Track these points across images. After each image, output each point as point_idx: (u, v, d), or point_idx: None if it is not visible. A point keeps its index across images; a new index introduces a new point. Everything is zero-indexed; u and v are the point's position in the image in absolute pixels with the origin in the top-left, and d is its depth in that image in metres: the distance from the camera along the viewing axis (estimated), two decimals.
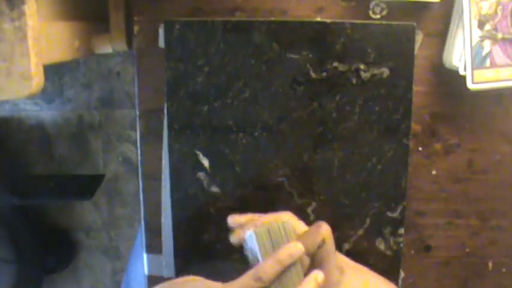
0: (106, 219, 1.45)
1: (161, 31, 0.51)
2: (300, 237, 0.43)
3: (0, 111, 1.40)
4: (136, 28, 0.52)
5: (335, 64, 0.50)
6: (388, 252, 0.53)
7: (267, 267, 0.39)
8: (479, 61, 0.48)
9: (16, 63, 0.46)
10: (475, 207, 0.56)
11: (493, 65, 0.48)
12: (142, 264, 0.57)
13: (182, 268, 0.54)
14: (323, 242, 0.43)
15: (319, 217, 0.51)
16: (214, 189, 0.52)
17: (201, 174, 0.52)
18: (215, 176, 0.51)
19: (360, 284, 0.46)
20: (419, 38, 0.52)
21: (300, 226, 0.46)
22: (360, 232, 0.52)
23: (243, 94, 0.50)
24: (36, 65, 0.47)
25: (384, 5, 0.52)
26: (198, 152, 0.51)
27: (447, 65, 0.52)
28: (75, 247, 1.47)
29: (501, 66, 0.48)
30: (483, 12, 0.48)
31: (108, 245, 1.47)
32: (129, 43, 0.73)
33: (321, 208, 0.51)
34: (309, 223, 0.52)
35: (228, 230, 0.47)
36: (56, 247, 1.42)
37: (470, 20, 0.48)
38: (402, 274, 0.55)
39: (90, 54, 0.71)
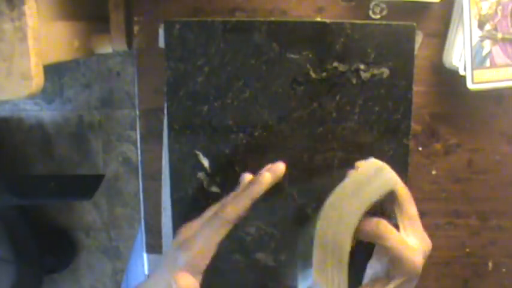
0: (106, 219, 1.45)
1: (161, 31, 0.51)
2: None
3: (0, 111, 1.40)
4: (136, 28, 0.52)
5: (335, 64, 0.50)
6: None
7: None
8: (479, 61, 0.48)
9: (16, 63, 0.46)
10: (475, 207, 0.56)
11: (493, 65, 0.48)
12: (142, 264, 0.57)
13: None
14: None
15: None
16: (214, 189, 0.52)
17: (201, 174, 0.52)
18: (215, 176, 0.51)
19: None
20: (419, 38, 0.52)
21: None
22: None
23: (243, 94, 0.50)
24: (36, 65, 0.47)
25: (383, 5, 0.52)
26: (198, 152, 0.51)
27: (447, 65, 0.52)
28: (75, 247, 1.47)
29: (501, 66, 0.48)
30: (483, 12, 0.48)
31: (108, 245, 1.47)
32: (129, 43, 0.73)
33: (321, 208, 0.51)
34: (308, 223, 0.52)
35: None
36: (56, 247, 1.42)
37: (470, 20, 0.48)
38: None
39: (90, 54, 0.71)
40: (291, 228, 0.52)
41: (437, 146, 0.55)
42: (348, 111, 0.50)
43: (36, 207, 1.44)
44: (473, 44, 0.48)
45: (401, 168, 0.51)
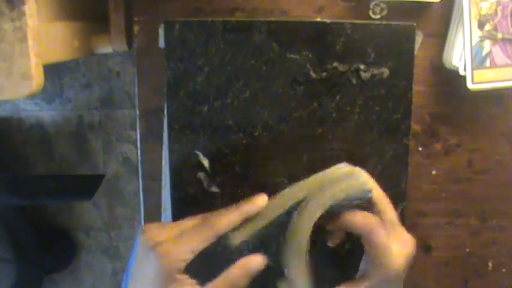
0: (106, 219, 1.45)
1: (161, 31, 0.51)
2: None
3: (0, 111, 1.40)
4: (136, 28, 0.52)
5: (335, 64, 0.50)
6: None
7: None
8: (479, 61, 0.48)
9: (16, 63, 0.46)
10: (475, 207, 0.56)
11: (493, 65, 0.48)
12: None
13: None
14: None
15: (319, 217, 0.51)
16: (214, 189, 0.52)
17: (201, 174, 0.52)
18: (215, 176, 0.51)
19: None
20: (419, 38, 0.52)
21: None
22: None
23: (243, 94, 0.50)
24: (36, 65, 0.47)
25: (383, 5, 0.52)
26: (198, 152, 0.51)
27: (447, 65, 0.52)
28: (75, 247, 1.47)
29: (501, 66, 0.48)
30: (483, 12, 0.48)
31: (108, 245, 1.47)
32: (129, 43, 0.73)
33: None
34: None
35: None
36: (56, 247, 1.42)
37: (470, 20, 0.48)
38: None
39: (90, 54, 0.71)
40: None
41: (437, 146, 0.55)
42: (348, 111, 0.50)
43: (36, 207, 1.44)
44: (473, 44, 0.48)
45: (401, 168, 0.51)
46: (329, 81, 0.50)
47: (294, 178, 0.51)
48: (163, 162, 0.54)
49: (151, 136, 0.54)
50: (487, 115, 0.54)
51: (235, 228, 0.44)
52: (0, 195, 1.19)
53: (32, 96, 0.48)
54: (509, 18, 0.48)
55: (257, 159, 0.51)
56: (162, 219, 0.55)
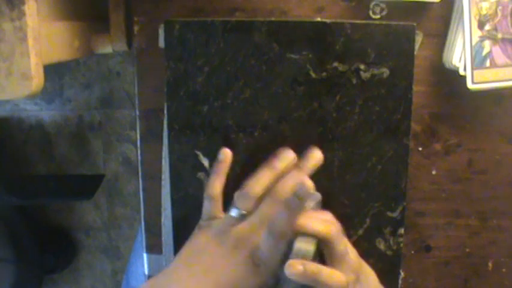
0: (106, 219, 1.45)
1: (161, 31, 0.51)
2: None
3: (0, 111, 1.40)
4: (136, 28, 0.52)
5: (335, 64, 0.50)
6: (388, 252, 0.53)
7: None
8: (479, 61, 0.48)
9: (16, 63, 0.46)
10: (475, 207, 0.56)
11: (493, 65, 0.48)
12: (142, 264, 0.57)
13: None
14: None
15: None
16: None
17: (201, 174, 0.52)
18: None
19: None
20: (419, 38, 0.52)
21: None
22: (360, 232, 0.52)
23: (243, 94, 0.50)
24: (36, 65, 0.47)
25: (383, 5, 0.52)
26: (198, 152, 0.51)
27: (447, 65, 0.52)
28: (75, 247, 1.47)
29: (501, 66, 0.48)
30: (483, 12, 0.48)
31: (108, 245, 1.47)
32: (129, 43, 0.73)
33: (321, 208, 0.51)
34: None
35: None
36: (56, 247, 1.42)
37: (470, 20, 0.48)
38: (402, 274, 0.55)
39: (90, 54, 0.71)
40: None
41: (437, 146, 0.55)
42: (348, 111, 0.50)
43: (36, 207, 1.44)
44: (473, 44, 0.48)
45: (401, 168, 0.51)
46: (329, 81, 0.50)
47: None
48: (163, 162, 0.54)
49: (151, 136, 0.54)
50: (487, 115, 0.54)
51: None
52: (0, 195, 1.19)
53: (32, 96, 0.48)
54: (509, 18, 0.48)
55: (257, 159, 0.51)
56: (162, 219, 0.55)
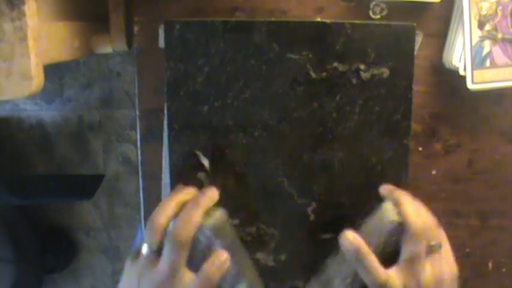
0: (106, 219, 1.45)
1: (161, 31, 0.51)
2: None
3: (0, 111, 1.40)
4: (136, 28, 0.53)
5: (335, 64, 0.50)
6: None
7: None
8: (479, 61, 0.48)
9: (16, 63, 0.46)
10: (475, 207, 0.56)
11: (493, 65, 0.48)
12: None
13: None
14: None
15: (319, 217, 0.51)
16: None
17: (201, 174, 0.52)
18: (215, 176, 0.51)
19: None
20: (419, 38, 0.52)
21: None
22: None
23: (243, 94, 0.50)
24: (36, 65, 0.47)
25: (383, 5, 0.52)
26: (198, 152, 0.51)
27: (447, 65, 0.52)
28: (75, 247, 1.47)
29: (501, 66, 0.48)
30: (483, 12, 0.48)
31: (108, 245, 1.47)
32: (129, 43, 0.73)
33: (321, 208, 0.51)
34: (309, 223, 0.52)
35: None
36: (56, 247, 1.42)
37: (470, 20, 0.48)
38: None
39: (90, 54, 0.71)
40: (291, 228, 0.52)
41: (437, 146, 0.55)
42: (348, 111, 0.50)
43: (36, 207, 1.44)
44: (473, 44, 0.48)
45: (401, 168, 0.51)
46: (329, 81, 0.50)
47: (294, 178, 0.51)
48: (163, 162, 0.54)
49: (151, 136, 0.54)
50: (487, 115, 0.54)
51: None
52: (0, 195, 1.19)
53: (32, 96, 0.48)
54: (509, 18, 0.48)
55: (257, 159, 0.51)
56: None
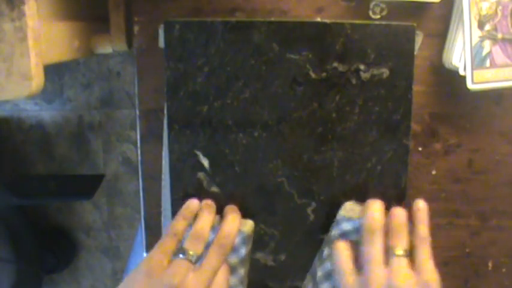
0: (106, 219, 1.45)
1: (161, 31, 0.51)
2: None
3: (0, 111, 1.40)
4: (136, 28, 0.53)
5: (335, 64, 0.50)
6: None
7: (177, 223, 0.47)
8: (479, 61, 0.48)
9: (16, 63, 0.46)
10: (475, 207, 0.56)
11: (493, 65, 0.48)
12: None
13: None
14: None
15: (319, 217, 0.51)
16: (214, 189, 0.52)
17: (201, 174, 0.52)
18: (215, 176, 0.51)
19: None
20: (419, 38, 0.52)
21: None
22: None
23: (243, 94, 0.50)
24: (36, 65, 0.47)
25: (383, 5, 0.52)
26: (198, 152, 0.51)
27: (447, 65, 0.52)
28: (75, 247, 1.47)
29: (501, 66, 0.48)
30: (483, 12, 0.48)
31: (108, 245, 1.47)
32: (129, 43, 0.73)
33: (321, 208, 0.51)
34: (309, 223, 0.52)
35: None
36: (56, 247, 1.42)
37: (470, 20, 0.48)
38: None
39: (90, 54, 0.71)
40: (291, 228, 0.52)
41: (437, 146, 0.55)
42: (348, 111, 0.50)
43: (36, 207, 1.44)
44: (473, 44, 0.48)
45: (401, 168, 0.51)
46: (329, 81, 0.50)
47: (294, 178, 0.51)
48: (163, 162, 0.54)
49: (151, 136, 0.54)
50: (487, 115, 0.54)
51: None
52: (0, 195, 1.19)
53: (32, 96, 0.48)
54: (509, 18, 0.48)
55: (257, 159, 0.51)
56: (162, 219, 0.55)
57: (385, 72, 0.50)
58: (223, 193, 0.51)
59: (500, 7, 0.48)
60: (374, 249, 0.44)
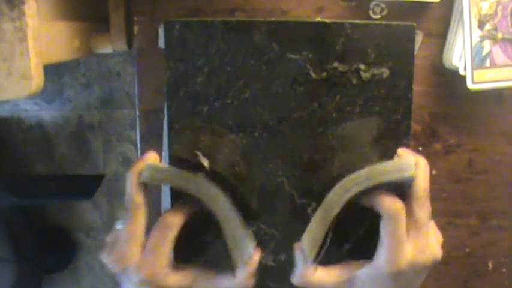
0: (106, 219, 1.45)
1: (161, 31, 0.51)
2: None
3: (0, 111, 1.40)
4: (136, 28, 0.53)
5: (335, 64, 0.50)
6: None
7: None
8: (479, 61, 0.48)
9: (16, 63, 0.46)
10: (475, 207, 0.56)
11: (493, 65, 0.48)
12: None
13: None
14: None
15: None
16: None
17: (201, 175, 0.51)
18: (215, 176, 0.51)
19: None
20: (419, 38, 0.52)
21: None
22: (360, 232, 0.52)
23: (243, 94, 0.50)
24: (36, 65, 0.47)
25: (384, 5, 0.52)
26: (198, 152, 0.51)
27: (447, 65, 0.52)
28: (75, 247, 1.47)
29: (501, 66, 0.48)
30: (483, 12, 0.48)
31: None
32: (129, 43, 0.73)
33: None
34: (308, 223, 0.52)
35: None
36: (56, 247, 1.42)
37: (470, 20, 0.48)
38: None
39: (90, 54, 0.71)
40: (291, 228, 0.52)
41: (437, 146, 0.55)
42: (348, 111, 0.50)
43: (36, 207, 1.44)
44: (473, 44, 0.48)
45: None
46: (329, 81, 0.50)
47: (294, 178, 0.51)
48: (163, 162, 0.54)
49: (151, 136, 0.54)
50: (487, 115, 0.54)
51: None
52: (0, 195, 1.19)
53: (32, 96, 0.48)
54: (509, 18, 0.48)
55: (257, 159, 0.51)
56: None
57: (385, 72, 0.50)
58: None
59: (500, 7, 0.48)
60: (426, 213, 0.44)
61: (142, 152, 0.54)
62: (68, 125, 1.40)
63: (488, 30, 0.48)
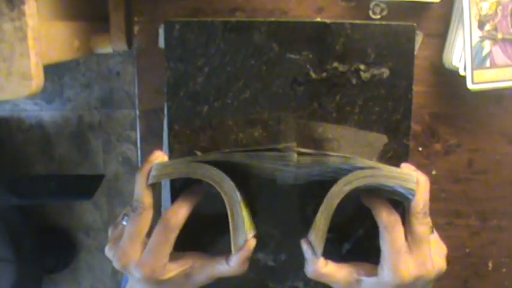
0: (106, 219, 1.45)
1: (161, 31, 0.51)
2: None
3: (0, 111, 1.40)
4: (136, 28, 0.53)
5: (335, 64, 0.50)
6: None
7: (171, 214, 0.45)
8: (479, 61, 0.48)
9: (16, 63, 0.46)
10: (475, 207, 0.56)
11: (493, 65, 0.48)
12: None
13: None
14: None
15: None
16: (214, 189, 0.52)
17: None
18: None
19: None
20: (419, 38, 0.52)
21: None
22: (360, 232, 0.52)
23: (243, 94, 0.50)
24: (36, 65, 0.47)
25: (384, 5, 0.52)
26: (198, 152, 0.51)
27: (447, 65, 0.52)
28: (75, 247, 1.47)
29: (501, 66, 0.48)
30: (483, 12, 0.48)
31: None
32: (129, 43, 0.73)
33: None
34: (309, 223, 0.52)
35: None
36: (56, 247, 1.42)
37: (470, 20, 0.48)
38: None
39: (90, 54, 0.71)
40: (291, 228, 0.52)
41: (437, 146, 0.55)
42: (348, 111, 0.50)
43: (36, 207, 1.44)
44: (473, 44, 0.48)
45: None
46: (329, 81, 0.50)
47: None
48: None
49: (151, 136, 0.54)
50: (487, 115, 0.54)
51: None
52: (0, 195, 1.19)
53: (32, 96, 0.48)
54: (509, 18, 0.48)
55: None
56: None
57: (385, 72, 0.50)
58: None
59: (500, 7, 0.48)
60: (426, 228, 0.45)
61: (143, 152, 0.54)
62: (68, 125, 1.40)
63: (488, 31, 0.48)
